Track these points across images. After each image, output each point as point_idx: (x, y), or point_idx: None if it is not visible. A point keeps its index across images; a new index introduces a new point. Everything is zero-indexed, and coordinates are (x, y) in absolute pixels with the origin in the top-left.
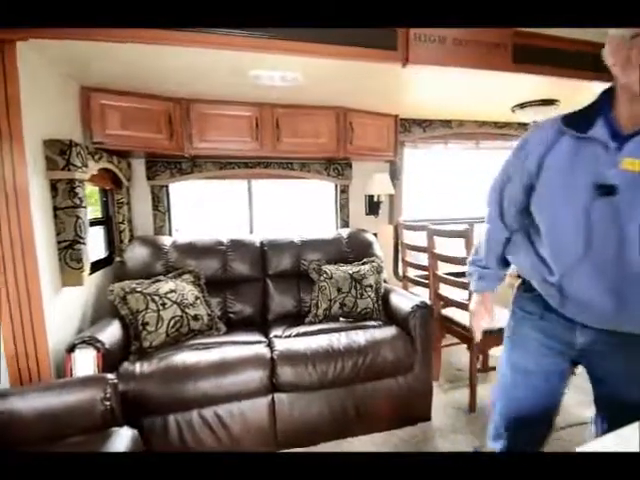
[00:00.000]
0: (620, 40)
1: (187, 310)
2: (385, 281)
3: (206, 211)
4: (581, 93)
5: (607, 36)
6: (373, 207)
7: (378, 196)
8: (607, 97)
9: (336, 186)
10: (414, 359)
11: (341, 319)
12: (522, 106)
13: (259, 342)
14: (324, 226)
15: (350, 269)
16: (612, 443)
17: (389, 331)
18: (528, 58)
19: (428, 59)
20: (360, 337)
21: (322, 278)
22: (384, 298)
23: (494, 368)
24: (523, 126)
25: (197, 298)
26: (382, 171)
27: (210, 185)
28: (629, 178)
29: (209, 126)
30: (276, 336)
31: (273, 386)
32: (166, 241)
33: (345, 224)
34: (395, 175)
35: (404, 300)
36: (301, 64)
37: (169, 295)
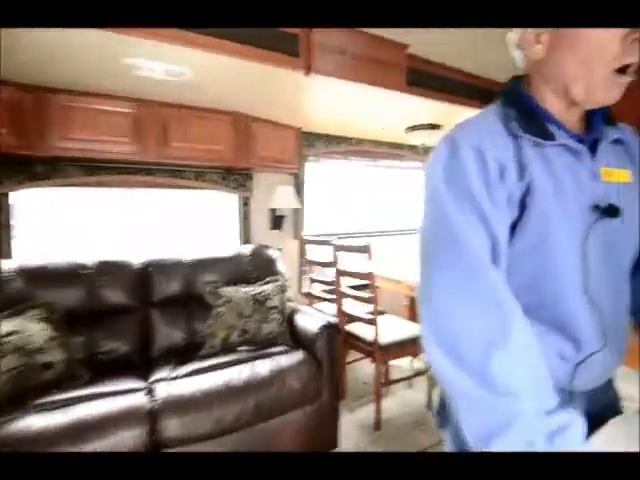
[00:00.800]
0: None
1: (34, 357)
2: (290, 299)
3: (68, 226)
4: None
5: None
6: (277, 221)
7: (282, 210)
8: (528, 94)
9: (240, 198)
10: (321, 384)
11: (242, 348)
12: (413, 129)
13: (135, 390)
14: (225, 242)
15: (252, 290)
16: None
17: (296, 356)
18: (420, 82)
19: (329, 70)
20: (264, 367)
21: (220, 302)
22: (289, 319)
23: (397, 381)
24: (413, 148)
25: (51, 339)
26: (286, 184)
27: (74, 194)
28: (614, 192)
29: (74, 122)
30: (159, 379)
31: (155, 445)
32: (5, 266)
33: (248, 239)
34: (299, 188)
35: (311, 320)
36: (190, 58)
37: (6, 339)
